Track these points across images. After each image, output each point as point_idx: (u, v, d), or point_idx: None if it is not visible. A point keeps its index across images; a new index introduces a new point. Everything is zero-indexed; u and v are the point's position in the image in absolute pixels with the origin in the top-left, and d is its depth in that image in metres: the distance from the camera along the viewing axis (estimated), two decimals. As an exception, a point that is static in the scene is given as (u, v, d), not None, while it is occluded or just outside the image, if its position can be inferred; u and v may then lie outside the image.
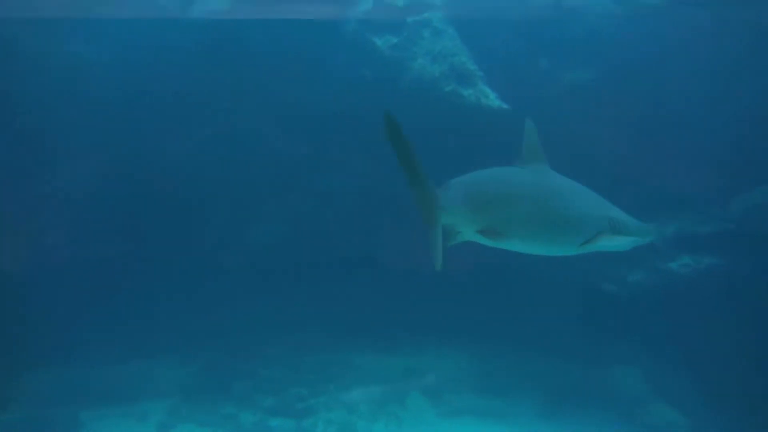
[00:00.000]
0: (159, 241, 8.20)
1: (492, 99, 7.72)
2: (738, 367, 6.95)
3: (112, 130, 7.70)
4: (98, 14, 7.18)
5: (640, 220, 4.27)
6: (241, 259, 8.34)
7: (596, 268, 7.86)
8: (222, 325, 8.31)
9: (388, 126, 3.60)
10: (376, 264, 8.36)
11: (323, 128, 8.02)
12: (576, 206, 4.06)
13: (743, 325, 7.05)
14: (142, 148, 7.91)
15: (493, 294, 8.10)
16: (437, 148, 7.68)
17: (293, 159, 8.21)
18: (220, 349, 8.30)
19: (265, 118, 8.09)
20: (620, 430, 7.45)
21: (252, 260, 8.31)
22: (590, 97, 7.98)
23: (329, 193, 8.34)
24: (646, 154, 7.85)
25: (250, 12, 7.76)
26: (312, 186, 8.35)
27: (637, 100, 7.91)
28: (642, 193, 7.44)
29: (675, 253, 7.59)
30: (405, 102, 7.73)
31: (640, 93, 7.91)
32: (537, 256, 4.47)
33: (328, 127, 8.00)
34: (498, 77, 7.92)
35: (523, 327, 8.10)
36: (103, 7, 7.15)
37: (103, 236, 8.08)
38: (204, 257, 8.35)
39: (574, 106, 7.92)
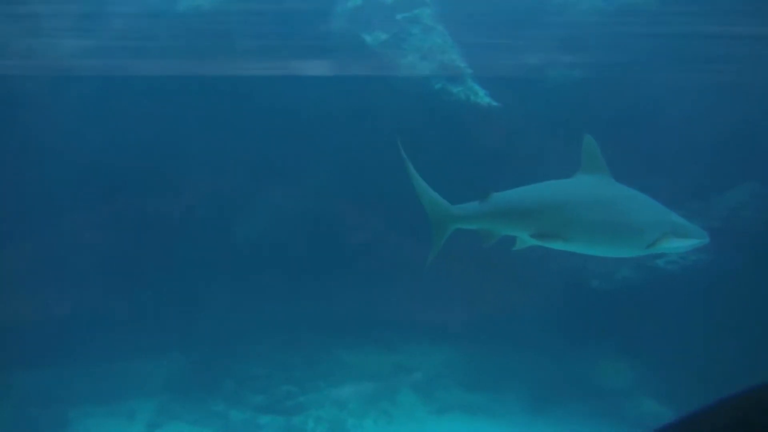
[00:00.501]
0: (146, 240, 8.15)
1: (481, 96, 7.75)
2: (724, 361, 7.04)
3: (104, 129, 7.70)
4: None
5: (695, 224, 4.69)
6: (230, 257, 8.31)
7: (584, 264, 7.92)
8: (211, 322, 8.28)
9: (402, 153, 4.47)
10: (365, 261, 8.36)
11: (311, 125, 8.00)
12: (638, 212, 4.51)
13: (729, 320, 7.14)
14: (131, 143, 7.86)
15: (481, 291, 8.14)
16: (428, 145, 7.70)
17: (282, 157, 8.18)
18: (209, 347, 8.27)
19: (254, 115, 8.05)
20: (608, 425, 7.52)
21: (241, 258, 8.28)
22: (578, 94, 8.03)
23: (318, 191, 8.32)
24: (631, 151, 7.91)
25: (235, 8, 7.74)
26: (301, 184, 8.33)
27: (624, 99, 7.97)
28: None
29: (662, 249, 7.67)
30: (395, 99, 7.73)
31: (626, 91, 7.97)
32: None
33: (317, 124, 7.98)
34: (487, 74, 7.93)
35: (511, 323, 8.15)
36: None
37: (91, 236, 8.01)
38: (193, 255, 8.31)
39: (562, 104, 7.96)
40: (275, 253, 8.33)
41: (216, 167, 8.15)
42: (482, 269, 7.86)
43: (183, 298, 8.15)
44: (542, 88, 8.11)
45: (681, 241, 4.46)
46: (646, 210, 4.53)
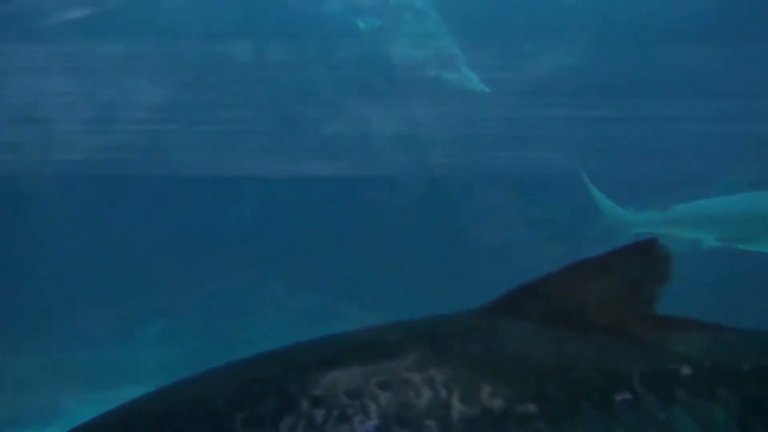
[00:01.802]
0: (139, 226, 8.16)
1: (475, 83, 7.73)
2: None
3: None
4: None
5: None
6: (223, 243, 8.31)
7: (575, 252, 7.95)
8: (204, 308, 8.30)
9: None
10: (357, 248, 8.36)
11: (304, 112, 7.97)
12: None
13: (718, 305, 7.21)
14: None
15: (474, 278, 8.16)
16: (423, 134, 7.70)
17: (272, 143, 8.16)
18: (202, 333, 8.29)
19: (247, 101, 8.02)
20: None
21: (234, 244, 8.29)
22: (573, 80, 8.01)
23: (309, 177, 8.32)
24: (625, 138, 7.92)
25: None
26: (292, 170, 8.31)
27: (621, 85, 7.96)
28: (621, 178, 7.51)
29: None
30: (388, 85, 7.71)
31: (623, 77, 7.95)
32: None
33: (308, 111, 7.96)
34: (480, 60, 7.91)
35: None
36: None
37: (83, 222, 8.02)
38: (186, 242, 8.31)
39: (557, 90, 7.95)
40: (269, 239, 8.33)
41: (210, 157, 8.15)
42: (474, 257, 7.89)
43: (176, 285, 8.16)
44: (537, 74, 8.09)
45: None
46: None
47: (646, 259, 1.58)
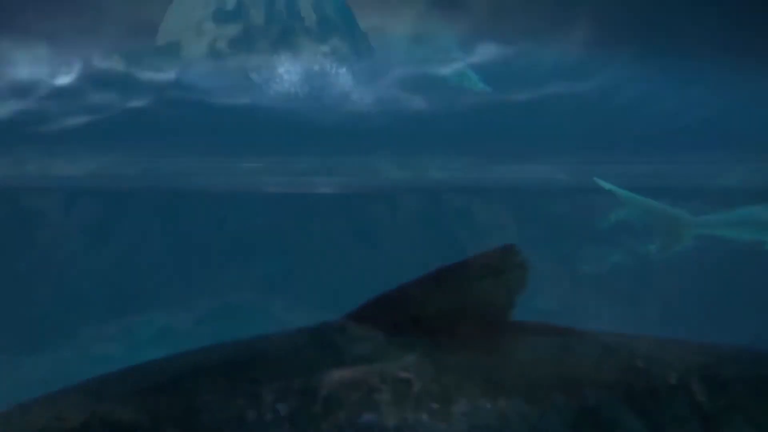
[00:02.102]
0: (141, 240, 8.24)
1: (475, 82, 7.73)
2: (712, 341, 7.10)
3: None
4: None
5: None
6: (224, 258, 8.35)
7: (575, 250, 7.96)
8: (204, 323, 8.34)
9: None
10: (357, 263, 8.39)
11: (303, 113, 7.98)
12: None
13: (716, 301, 7.22)
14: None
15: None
16: (422, 131, 7.72)
17: (270, 151, 8.20)
18: (207, 337, 8.31)
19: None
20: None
21: (235, 259, 8.32)
22: (573, 80, 8.01)
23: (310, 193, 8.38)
24: (621, 138, 7.93)
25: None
26: (290, 172, 8.34)
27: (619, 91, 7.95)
28: (621, 179, 7.53)
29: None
30: (387, 84, 7.73)
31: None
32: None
33: (308, 112, 7.97)
34: (480, 59, 7.92)
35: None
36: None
37: (92, 228, 8.11)
38: (187, 257, 8.36)
39: (557, 90, 7.95)
40: (272, 243, 8.37)
41: (211, 163, 8.22)
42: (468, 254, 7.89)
43: (176, 300, 8.21)
44: (536, 75, 8.09)
45: None
46: None
47: (501, 266, 1.57)
